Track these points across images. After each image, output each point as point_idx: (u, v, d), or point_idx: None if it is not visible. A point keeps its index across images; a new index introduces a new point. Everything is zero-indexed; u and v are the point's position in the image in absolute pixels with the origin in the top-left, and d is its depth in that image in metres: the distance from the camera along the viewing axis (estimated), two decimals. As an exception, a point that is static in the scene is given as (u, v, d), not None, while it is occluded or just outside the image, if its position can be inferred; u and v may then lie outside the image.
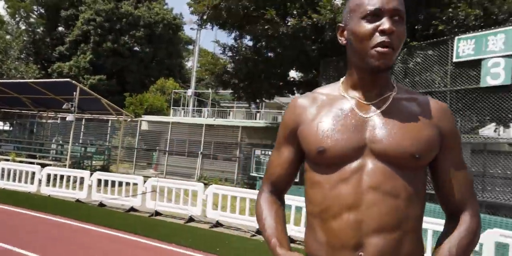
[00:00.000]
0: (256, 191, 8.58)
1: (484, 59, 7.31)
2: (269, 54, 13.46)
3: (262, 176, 9.20)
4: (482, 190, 7.96)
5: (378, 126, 1.10)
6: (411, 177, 1.06)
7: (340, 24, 1.21)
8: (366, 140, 1.09)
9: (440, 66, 8.16)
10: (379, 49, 1.07)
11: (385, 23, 1.07)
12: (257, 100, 14.89)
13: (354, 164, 1.07)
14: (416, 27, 9.14)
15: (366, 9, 1.09)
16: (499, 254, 5.17)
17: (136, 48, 30.66)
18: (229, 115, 25.42)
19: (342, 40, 1.21)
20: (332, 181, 1.09)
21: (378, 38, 1.07)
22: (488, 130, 10.70)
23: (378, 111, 1.13)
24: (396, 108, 1.12)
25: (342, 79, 1.27)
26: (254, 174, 11.05)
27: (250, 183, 14.59)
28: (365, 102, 1.16)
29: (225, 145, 16.65)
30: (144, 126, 19.06)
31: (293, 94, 15.87)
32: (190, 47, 43.23)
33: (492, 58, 7.22)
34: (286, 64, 11.87)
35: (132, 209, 8.50)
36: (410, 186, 1.05)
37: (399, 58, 9.15)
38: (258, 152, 11.09)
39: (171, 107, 25.36)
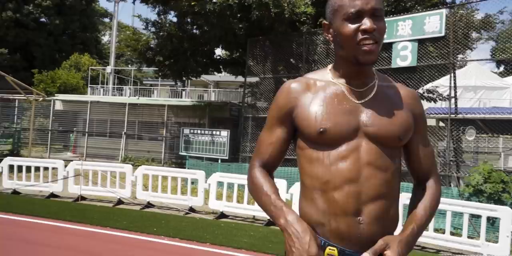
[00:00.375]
0: (186, 170, 8.65)
1: (394, 42, 8.06)
2: (194, 31, 13.16)
3: (192, 155, 9.21)
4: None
5: (369, 111, 1.25)
6: (394, 154, 1.26)
7: (325, 22, 1.31)
8: (360, 123, 1.24)
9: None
10: (364, 47, 1.19)
11: (366, 23, 1.18)
12: (183, 78, 14.57)
13: (351, 144, 1.22)
14: (337, 10, 9.62)
15: (348, 11, 1.19)
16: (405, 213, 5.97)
17: (43, 19, 27.58)
18: (153, 93, 24.51)
19: (328, 37, 1.31)
20: (332, 158, 1.22)
21: (362, 35, 1.19)
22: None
23: (367, 98, 1.27)
24: (381, 95, 1.29)
25: (329, 66, 1.38)
26: (183, 153, 10.98)
27: (178, 163, 14.49)
28: (356, 89, 1.28)
29: (151, 124, 16.17)
30: (58, 106, 17.60)
31: (220, 72, 15.83)
32: (106, 20, 40.14)
33: (401, 41, 7.99)
34: (213, 42, 11.75)
35: (52, 195, 8.00)
36: (394, 162, 1.26)
37: (322, 39, 9.64)
38: (186, 131, 11.00)
39: (88, 85, 23.61)
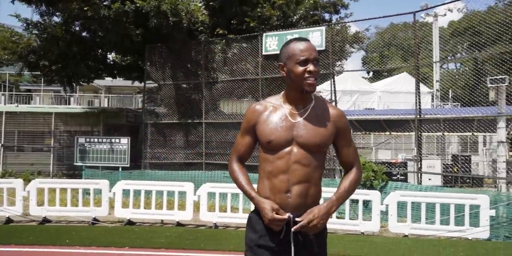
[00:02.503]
0: (88, 180, 8.31)
1: (284, 53, 9.00)
2: (83, 34, 12.49)
3: (88, 165, 8.82)
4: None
5: (301, 128, 1.88)
6: (316, 156, 1.88)
7: (280, 63, 1.92)
8: (293, 136, 1.87)
9: (252, 57, 9.56)
10: (309, 81, 1.83)
11: (310, 67, 1.82)
12: (73, 84, 13.65)
13: (287, 149, 1.87)
14: (232, 21, 10.28)
15: (299, 58, 1.83)
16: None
17: None
18: (32, 99, 22.10)
19: (283, 73, 1.92)
20: (274, 158, 1.88)
21: (307, 75, 1.83)
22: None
23: (301, 118, 1.90)
24: (312, 115, 1.91)
25: (282, 93, 2.00)
26: (79, 163, 10.38)
27: (70, 174, 13.50)
28: (294, 112, 1.91)
29: (34, 134, 14.70)
30: None
31: (114, 77, 15.23)
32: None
33: (290, 53, 8.96)
34: (107, 47, 11.36)
35: None
36: (316, 161, 1.87)
37: (219, 47, 10.18)
38: (82, 140, 10.42)
39: (-51, 91, 20.17)
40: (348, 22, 9.45)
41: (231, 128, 9.89)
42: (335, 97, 9.05)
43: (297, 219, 1.79)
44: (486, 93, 10.10)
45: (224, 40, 10.00)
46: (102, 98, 22.71)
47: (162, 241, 5.06)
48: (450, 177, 11.91)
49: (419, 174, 8.03)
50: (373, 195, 6.52)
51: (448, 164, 12.67)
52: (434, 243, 5.28)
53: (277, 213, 1.81)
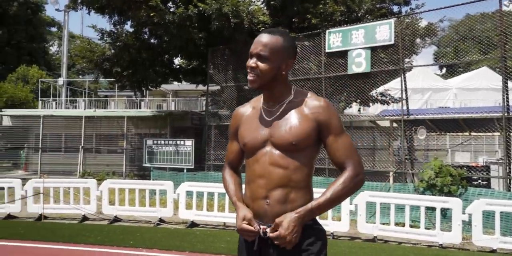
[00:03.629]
0: (153, 181, 8.58)
1: (349, 50, 8.55)
2: (152, 40, 13.08)
3: (156, 166, 9.13)
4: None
5: (275, 126, 1.69)
6: (296, 156, 1.66)
7: None
8: (268, 136, 1.70)
9: (315, 55, 9.21)
10: (248, 77, 1.69)
11: (250, 61, 1.68)
12: (143, 89, 14.38)
13: (263, 151, 1.70)
14: (293, 19, 10.03)
15: (249, 51, 1.69)
16: (372, 210, 6.35)
17: (-15, 30, 26.01)
18: (108, 104, 23.79)
19: None
20: (251, 161, 1.73)
21: (248, 69, 1.69)
22: (352, 110, 12.53)
23: (275, 115, 1.71)
24: (288, 111, 1.70)
25: None
26: (147, 164, 10.82)
27: (141, 175, 14.19)
28: (269, 109, 1.74)
29: (109, 136, 15.72)
30: (6, 122, 16.65)
31: (180, 81, 15.78)
32: (54, 29, 38.44)
33: (355, 49, 8.49)
34: (173, 52, 11.75)
35: (10, 216, 7.60)
36: (296, 161, 1.66)
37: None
38: (150, 142, 10.86)
39: (39, 99, 22.47)
40: (420, 12, 8.70)
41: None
42: (406, 95, 8.37)
43: (270, 235, 1.59)
44: None
45: (285, 40, 9.77)
46: (169, 101, 23.74)
47: (223, 246, 4.96)
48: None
49: (508, 180, 7.07)
50: (453, 203, 5.84)
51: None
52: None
53: (249, 224, 1.65)
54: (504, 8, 7.79)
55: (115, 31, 12.75)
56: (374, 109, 14.23)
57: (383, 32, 8.09)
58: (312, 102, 1.70)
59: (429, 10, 8.31)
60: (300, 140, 1.64)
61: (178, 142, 10.49)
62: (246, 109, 1.83)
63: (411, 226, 6.08)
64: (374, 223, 6.14)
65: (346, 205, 6.13)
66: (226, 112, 11.25)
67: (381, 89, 10.65)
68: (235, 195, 1.80)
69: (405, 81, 8.26)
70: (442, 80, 17.46)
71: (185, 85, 21.47)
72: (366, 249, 5.50)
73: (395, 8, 10.43)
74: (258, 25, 10.13)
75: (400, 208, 6.29)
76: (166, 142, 10.68)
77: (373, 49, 8.42)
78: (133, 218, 7.46)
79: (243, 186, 1.83)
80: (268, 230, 1.61)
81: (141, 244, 5.16)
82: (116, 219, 7.43)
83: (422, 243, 5.87)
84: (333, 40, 8.75)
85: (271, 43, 1.66)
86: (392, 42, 8.06)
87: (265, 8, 10.19)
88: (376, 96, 10.82)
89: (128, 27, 12.86)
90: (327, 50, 8.90)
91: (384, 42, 8.15)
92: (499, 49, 8.13)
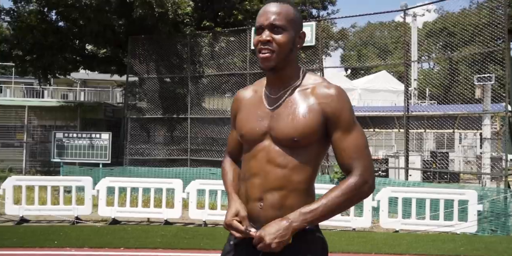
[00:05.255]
0: (70, 177, 7.94)
1: (274, 48, 8.90)
2: (60, 23, 11.92)
3: (67, 161, 8.46)
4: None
5: (276, 117, 1.45)
6: (298, 153, 1.42)
7: None
8: (268, 128, 1.45)
9: (240, 51, 9.39)
10: (261, 55, 1.41)
11: (262, 35, 1.40)
12: (49, 76, 13.04)
13: (261, 145, 1.46)
14: (219, 13, 10.06)
15: (256, 25, 1.45)
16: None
17: None
18: (2, 92, 21.01)
19: None
20: (248, 156, 1.51)
21: (260, 46, 1.42)
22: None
23: (277, 104, 1.46)
24: (291, 100, 1.45)
25: None
26: (56, 159, 9.90)
27: (45, 171, 12.92)
28: (272, 96, 1.48)
29: (5, 128, 13.96)
30: None
31: (93, 70, 14.66)
32: None
33: (279, 48, 8.87)
34: (87, 37, 10.88)
35: None
36: (296, 160, 1.42)
37: (206, 41, 9.95)
38: (59, 135, 9.91)
39: None
40: (342, 17, 9.46)
41: (217, 124, 9.71)
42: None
43: (255, 239, 1.42)
44: (460, 92, 10.35)
45: (211, 34, 9.78)
46: (77, 91, 21.85)
47: (159, 241, 4.86)
48: (428, 173, 12.21)
49: (406, 170, 8.14)
50: (365, 191, 6.53)
51: (427, 161, 13.01)
52: (433, 238, 5.34)
53: (240, 222, 1.44)
54: (400, 19, 8.88)
55: (15, 9, 11.33)
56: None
57: (306, 33, 8.60)
58: (321, 90, 1.43)
59: (348, 16, 9.06)
60: (304, 136, 1.40)
61: (93, 136, 9.80)
62: (248, 93, 1.58)
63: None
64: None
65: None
66: (146, 104, 10.84)
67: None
68: (232, 185, 1.59)
69: (323, 80, 8.90)
70: (349, 81, 19.11)
71: (95, 75, 19.97)
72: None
73: (314, 12, 11.13)
74: (183, 16, 9.95)
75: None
76: (79, 135, 9.90)
77: (295, 49, 8.89)
78: (44, 218, 6.83)
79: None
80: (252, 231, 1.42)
81: (68, 243, 4.78)
82: (23, 219, 6.73)
83: (337, 228, 6.44)
84: (258, 37, 9.02)
85: (284, 11, 1.42)
86: (313, 43, 8.61)
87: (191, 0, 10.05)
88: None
89: (32, 6, 11.44)
90: (252, 47, 9.14)
91: (306, 43, 8.66)
92: (395, 55, 9.17)
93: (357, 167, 1.40)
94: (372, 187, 1.42)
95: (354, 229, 6.38)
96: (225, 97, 10.62)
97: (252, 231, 1.41)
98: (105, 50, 12.46)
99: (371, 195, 6.35)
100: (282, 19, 1.40)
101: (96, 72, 16.33)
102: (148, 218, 6.94)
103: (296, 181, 1.42)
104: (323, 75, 8.98)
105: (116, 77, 14.64)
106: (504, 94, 7.06)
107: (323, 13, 11.18)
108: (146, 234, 5.27)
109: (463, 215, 6.17)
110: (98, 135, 9.81)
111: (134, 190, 7.09)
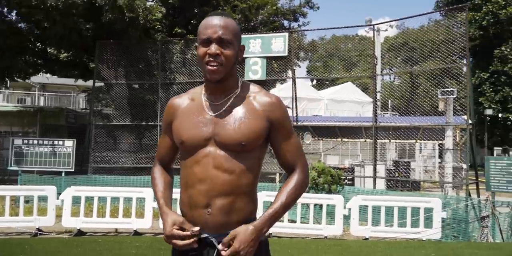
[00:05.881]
0: (32, 186, 7.48)
1: (247, 58, 8.97)
2: (21, 25, 11.39)
3: (25, 169, 8.00)
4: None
5: (220, 123, 1.49)
6: (244, 158, 1.48)
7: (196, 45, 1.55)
8: (211, 133, 1.48)
9: (213, 59, 9.36)
10: (209, 67, 1.44)
11: (211, 48, 1.43)
12: (6, 79, 12.34)
13: (204, 151, 1.48)
14: (192, 21, 10.01)
15: (201, 37, 1.46)
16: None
17: None
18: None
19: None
20: (190, 162, 1.51)
21: (208, 58, 1.44)
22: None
23: (221, 110, 1.50)
24: (236, 106, 1.51)
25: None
26: (14, 167, 9.32)
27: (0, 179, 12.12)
28: (214, 103, 1.53)
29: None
30: None
31: (54, 74, 14.06)
32: None
33: (252, 57, 8.96)
34: (51, 40, 10.45)
35: None
36: (242, 164, 1.48)
37: (178, 48, 9.85)
38: (18, 141, 9.35)
39: None
40: (314, 30, 9.70)
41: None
42: (296, 103, 9.18)
43: (219, 247, 1.43)
44: (420, 104, 10.88)
45: (182, 41, 9.70)
46: (36, 96, 20.78)
47: (134, 252, 4.67)
48: (392, 181, 12.66)
49: (374, 179, 8.39)
50: (337, 200, 6.65)
51: (390, 169, 13.48)
52: (404, 245, 5.51)
53: (181, 228, 1.44)
54: (364, 33, 9.27)
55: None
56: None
57: (278, 43, 8.75)
58: (263, 98, 1.52)
59: (322, 29, 9.31)
60: (250, 140, 1.47)
61: (56, 143, 9.35)
62: (183, 101, 1.59)
63: (301, 222, 6.68)
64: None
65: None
66: (113, 111, 10.50)
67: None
68: (163, 197, 1.57)
69: (295, 90, 9.06)
70: (315, 91, 19.54)
71: (55, 79, 19.15)
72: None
73: (285, 23, 11.37)
74: (154, 22, 9.82)
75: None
76: (41, 142, 9.40)
77: (268, 59, 9.01)
78: (1, 230, 6.38)
79: (177, 189, 1.57)
80: (220, 246, 1.43)
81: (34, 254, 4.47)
82: (-23, 232, 6.26)
83: (310, 236, 6.50)
84: (232, 46, 9.05)
85: (231, 26, 1.47)
86: (286, 53, 8.77)
87: (162, 5, 9.95)
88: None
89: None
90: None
91: (279, 53, 8.82)
92: (359, 67, 9.53)
93: (299, 165, 1.57)
94: (308, 181, 1.62)
95: (326, 237, 6.45)
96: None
97: (195, 229, 1.44)
98: (68, 54, 12.01)
99: (342, 204, 6.53)
100: (230, 33, 1.45)
101: (56, 76, 15.68)
102: (116, 229, 6.67)
103: (244, 185, 1.48)
104: (295, 84, 9.15)
105: (79, 82, 14.12)
106: (459, 108, 7.51)
107: (294, 24, 11.45)
108: (119, 245, 5.06)
109: (428, 222, 6.43)
110: (61, 142, 9.37)
111: (102, 199, 6.80)
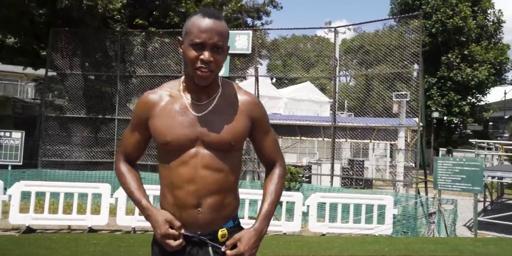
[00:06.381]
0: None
1: (210, 53, 8.88)
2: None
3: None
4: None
5: (207, 123, 1.48)
6: (230, 157, 1.52)
7: (179, 38, 1.51)
8: (198, 134, 1.47)
9: (175, 53, 9.19)
10: (200, 73, 1.40)
11: (205, 54, 1.39)
12: None
13: (191, 151, 1.47)
14: (154, 13, 9.73)
15: (194, 40, 1.39)
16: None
17: None
18: None
19: (180, 51, 1.51)
20: (175, 163, 1.48)
21: (200, 64, 1.40)
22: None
23: (206, 110, 1.49)
24: (220, 106, 1.51)
25: (182, 78, 1.56)
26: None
27: None
28: (197, 103, 1.50)
29: None
30: None
31: (2, 61, 13.07)
32: None
33: (216, 53, 8.89)
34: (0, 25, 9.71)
35: None
36: (229, 164, 1.51)
37: (138, 40, 9.54)
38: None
39: None
40: (279, 29, 9.79)
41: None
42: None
43: (222, 249, 1.47)
44: (374, 105, 11.39)
45: (144, 33, 9.42)
46: (-22, 84, 19.23)
47: (92, 250, 4.49)
48: (346, 179, 13.15)
49: (332, 177, 8.67)
50: (296, 197, 6.81)
51: (345, 168, 13.99)
52: (360, 241, 5.75)
53: (171, 227, 1.45)
54: (323, 34, 9.52)
55: None
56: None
57: (242, 41, 8.76)
58: (243, 97, 1.55)
59: (286, 28, 9.40)
60: (238, 140, 1.50)
61: (2, 134, 8.72)
62: (160, 97, 1.52)
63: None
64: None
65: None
66: (67, 102, 9.98)
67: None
68: (143, 196, 1.53)
69: (258, 88, 9.13)
70: (275, 90, 19.77)
71: (0, 66, 17.80)
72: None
73: (249, 21, 11.37)
74: (113, 12, 9.44)
75: (254, 201, 6.92)
76: (-16, 133, 8.73)
77: (231, 56, 8.99)
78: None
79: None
80: (223, 248, 1.47)
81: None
82: None
83: (270, 233, 6.61)
84: (196, 41, 8.94)
85: (225, 31, 1.44)
86: (249, 51, 8.80)
87: (124, -5, 9.58)
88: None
89: None
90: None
91: (242, 51, 8.83)
92: (317, 67, 9.81)
93: (278, 159, 1.67)
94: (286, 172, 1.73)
95: (284, 233, 6.59)
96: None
97: (182, 231, 1.46)
98: (16, 40, 11.23)
99: (302, 201, 6.70)
100: (224, 40, 1.44)
101: (1, 63, 14.60)
102: (69, 226, 6.38)
103: (232, 182, 1.53)
104: (257, 82, 9.20)
105: (28, 70, 13.25)
106: (409, 110, 7.96)
107: (257, 22, 11.49)
108: (75, 242, 4.84)
109: (380, 218, 6.77)
110: (8, 134, 8.75)
111: (53, 195, 6.47)
